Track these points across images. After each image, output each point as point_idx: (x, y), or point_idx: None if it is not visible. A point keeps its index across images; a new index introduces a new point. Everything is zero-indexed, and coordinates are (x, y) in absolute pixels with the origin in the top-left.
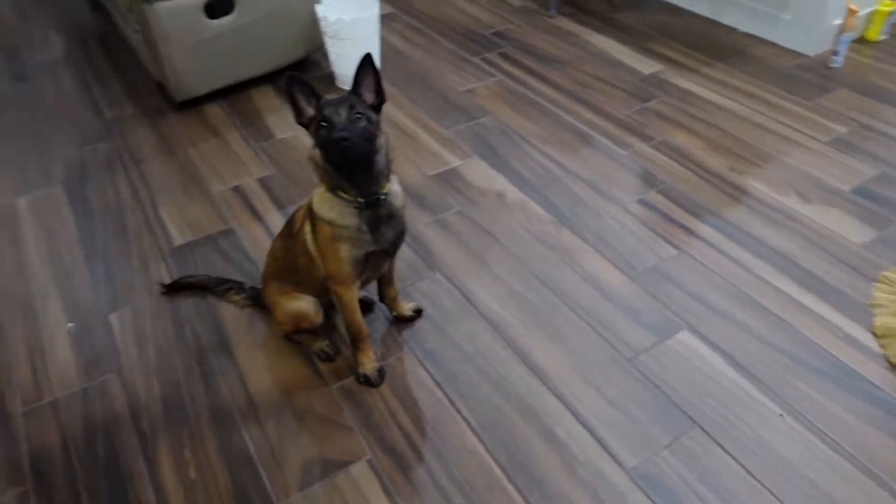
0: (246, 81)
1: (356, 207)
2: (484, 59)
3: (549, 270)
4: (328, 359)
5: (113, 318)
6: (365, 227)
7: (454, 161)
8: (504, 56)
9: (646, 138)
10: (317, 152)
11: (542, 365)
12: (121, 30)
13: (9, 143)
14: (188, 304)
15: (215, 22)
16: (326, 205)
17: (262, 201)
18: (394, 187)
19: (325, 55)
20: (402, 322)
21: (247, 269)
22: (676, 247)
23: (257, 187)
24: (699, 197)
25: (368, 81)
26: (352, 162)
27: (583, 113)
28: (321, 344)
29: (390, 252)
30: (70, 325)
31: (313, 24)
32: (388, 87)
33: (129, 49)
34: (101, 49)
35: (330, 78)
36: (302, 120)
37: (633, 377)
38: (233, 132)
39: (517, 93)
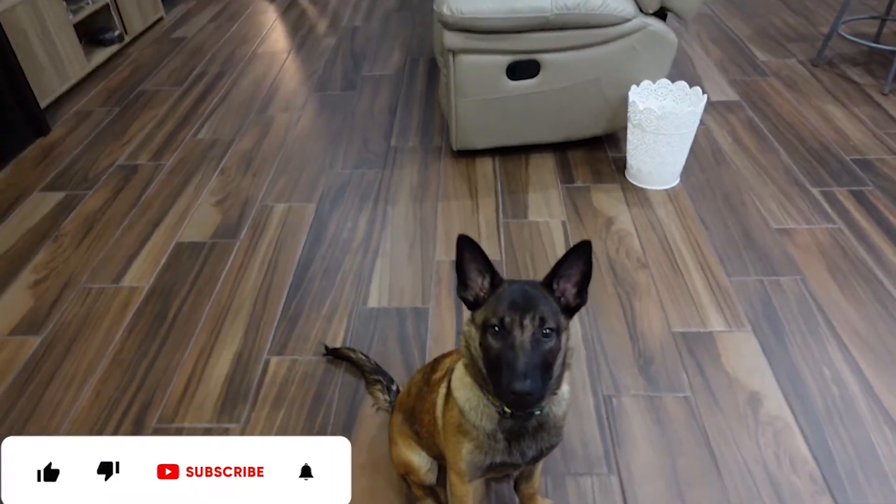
0: (528, 145)
1: (498, 413)
2: (825, 194)
3: None
4: None
5: (273, 361)
6: (500, 436)
7: (716, 324)
8: (858, 197)
9: None
10: (473, 332)
11: None
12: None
13: (306, 146)
14: (338, 380)
15: (514, 83)
16: (464, 390)
17: None
18: (560, 391)
19: (625, 137)
20: None
21: (411, 361)
22: None
23: None
24: None
25: (574, 273)
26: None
27: None
28: None
29: (523, 466)
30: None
31: (622, 104)
32: (680, 195)
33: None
34: (423, 77)
35: (619, 164)
36: (465, 295)
37: None
38: (488, 198)
39: (853, 257)
